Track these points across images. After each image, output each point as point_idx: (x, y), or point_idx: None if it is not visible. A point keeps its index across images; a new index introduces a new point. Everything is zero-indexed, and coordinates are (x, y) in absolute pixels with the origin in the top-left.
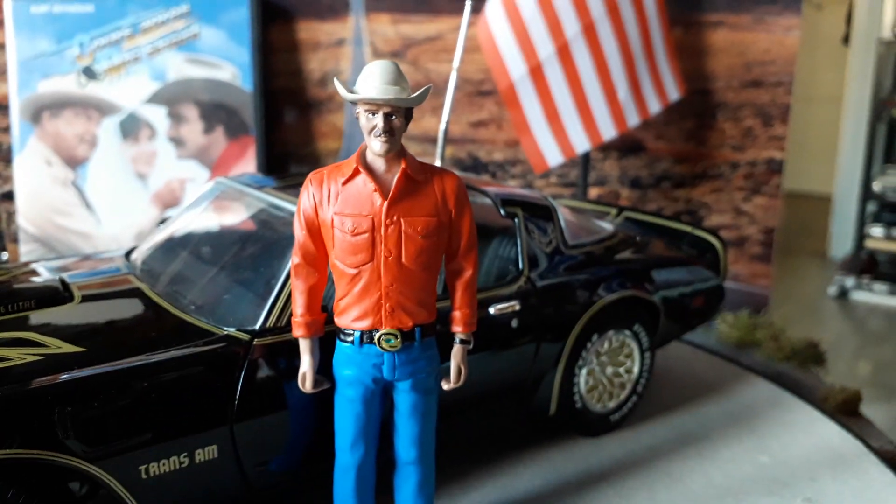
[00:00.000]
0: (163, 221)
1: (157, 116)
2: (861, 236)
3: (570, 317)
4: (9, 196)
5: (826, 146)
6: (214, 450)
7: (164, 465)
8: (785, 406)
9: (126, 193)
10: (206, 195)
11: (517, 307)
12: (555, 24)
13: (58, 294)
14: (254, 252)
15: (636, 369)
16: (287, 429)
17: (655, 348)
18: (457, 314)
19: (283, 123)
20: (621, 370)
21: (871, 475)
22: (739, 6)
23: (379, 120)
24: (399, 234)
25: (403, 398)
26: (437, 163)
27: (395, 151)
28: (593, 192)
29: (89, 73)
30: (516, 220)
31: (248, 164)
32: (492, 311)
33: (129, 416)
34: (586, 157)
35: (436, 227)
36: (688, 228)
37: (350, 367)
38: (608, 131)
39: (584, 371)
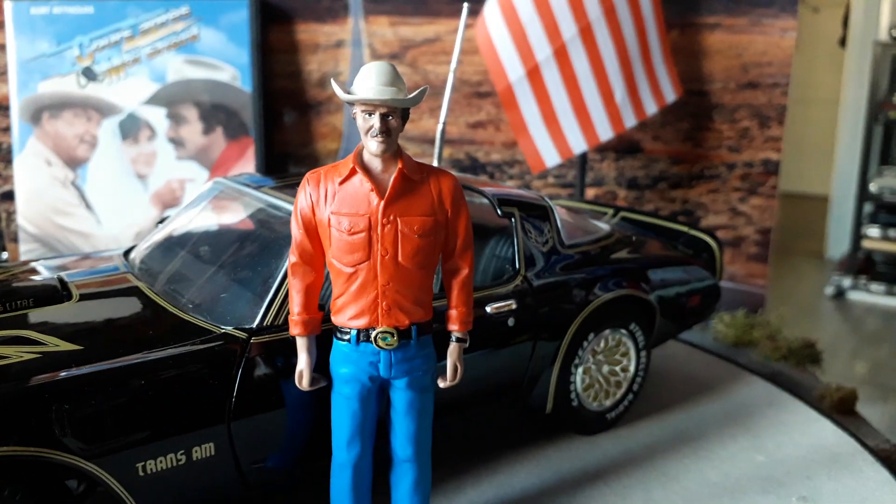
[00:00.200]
0: (161, 221)
1: (157, 117)
2: (858, 237)
3: (566, 316)
4: (9, 196)
5: (823, 147)
6: (211, 447)
7: (161, 462)
8: (781, 405)
9: (126, 194)
10: (205, 195)
11: (514, 306)
12: (552, 26)
13: (56, 293)
14: (251, 251)
15: (632, 368)
16: (284, 427)
17: (652, 347)
18: (453, 313)
19: (282, 124)
20: (617, 369)
21: (866, 474)
22: (736, 8)
23: (375, 120)
24: (395, 234)
25: (400, 396)
26: (435, 163)
27: (392, 151)
28: (590, 193)
29: (89, 73)
30: (513, 219)
31: (248, 164)
32: (488, 309)
33: (127, 413)
34: (583, 158)
35: (432, 227)
36: (684, 228)
37: (347, 365)
38: (605, 132)
39: (580, 370)
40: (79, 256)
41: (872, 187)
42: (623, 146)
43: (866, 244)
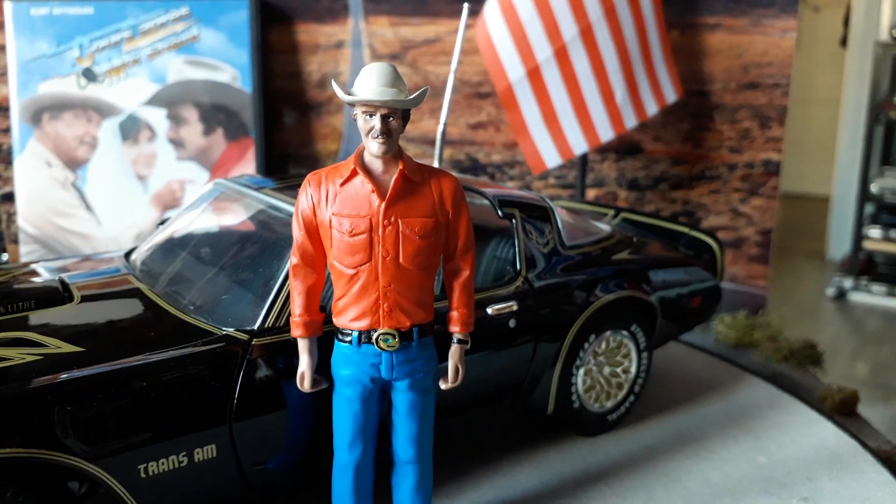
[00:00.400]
0: (162, 222)
1: (157, 118)
2: (859, 237)
3: (567, 317)
4: (9, 197)
5: (824, 148)
6: (213, 449)
7: (162, 464)
8: (782, 407)
9: (126, 195)
10: (206, 196)
11: (515, 307)
12: (552, 26)
13: (57, 294)
14: (253, 253)
15: (633, 369)
16: (286, 428)
17: (653, 349)
18: (454, 314)
19: (282, 125)
20: (619, 370)
21: (867, 475)
22: (736, 8)
23: (376, 121)
24: (396, 235)
25: (401, 398)
26: (436, 164)
27: (393, 153)
28: (591, 194)
29: (89, 74)
30: (513, 220)
31: (248, 165)
32: (489, 311)
33: (129, 415)
34: (584, 159)
35: (433, 228)
36: (685, 229)
37: (348, 366)
38: (606, 133)
39: (581, 371)
40: (79, 258)
41: (873, 188)
42: (624, 147)
43: (867, 245)
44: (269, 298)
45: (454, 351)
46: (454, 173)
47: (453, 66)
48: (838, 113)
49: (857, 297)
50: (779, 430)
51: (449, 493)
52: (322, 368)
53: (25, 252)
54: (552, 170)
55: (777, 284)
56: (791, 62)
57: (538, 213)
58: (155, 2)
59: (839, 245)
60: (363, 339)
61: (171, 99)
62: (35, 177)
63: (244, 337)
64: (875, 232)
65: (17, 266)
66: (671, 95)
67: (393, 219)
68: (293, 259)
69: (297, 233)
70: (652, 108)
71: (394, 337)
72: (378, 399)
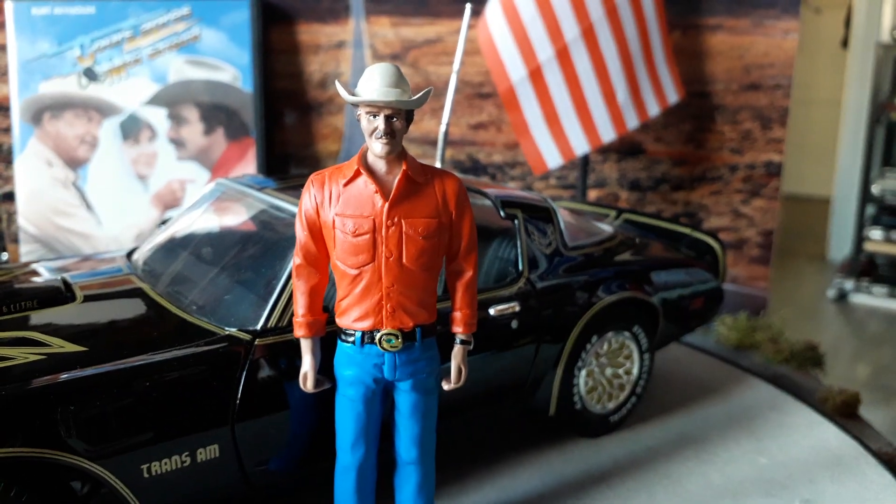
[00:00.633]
0: (164, 222)
1: (158, 118)
2: (860, 239)
3: (569, 318)
4: (9, 196)
5: (825, 149)
6: (216, 449)
7: (165, 464)
8: (784, 408)
9: (126, 194)
10: (207, 196)
11: (517, 308)
12: (554, 26)
13: (60, 294)
14: (255, 253)
15: (635, 370)
16: (288, 429)
17: (655, 350)
18: (457, 315)
19: (283, 125)
20: (620, 371)
21: (869, 477)
22: (738, 9)
23: (380, 122)
24: (400, 235)
25: (404, 398)
26: (438, 165)
27: (396, 153)
28: (592, 194)
29: (90, 74)
30: (516, 221)
31: (249, 165)
32: (492, 312)
33: (131, 415)
34: (585, 160)
35: (436, 229)
36: (686, 230)
37: (351, 367)
38: (607, 133)
39: (583, 372)
40: (81, 258)
41: (874, 189)
42: (625, 148)
43: (868, 246)
44: (272, 299)
45: (457, 351)
46: (456, 174)
47: (455, 66)
48: (839, 114)
49: (858, 299)
50: (780, 432)
51: (451, 493)
52: (325, 369)
53: (26, 251)
54: (553, 170)
55: (778, 286)
56: (793, 63)
57: (540, 214)
58: (156, 1)
59: (840, 246)
60: (366, 340)
61: (171, 99)
62: (36, 176)
63: (247, 337)
64: (876, 233)
65: (19, 266)
66: (673, 96)
67: (396, 219)
68: (296, 259)
69: (301, 233)
70: (654, 109)
71: (397, 337)
72: (381, 399)
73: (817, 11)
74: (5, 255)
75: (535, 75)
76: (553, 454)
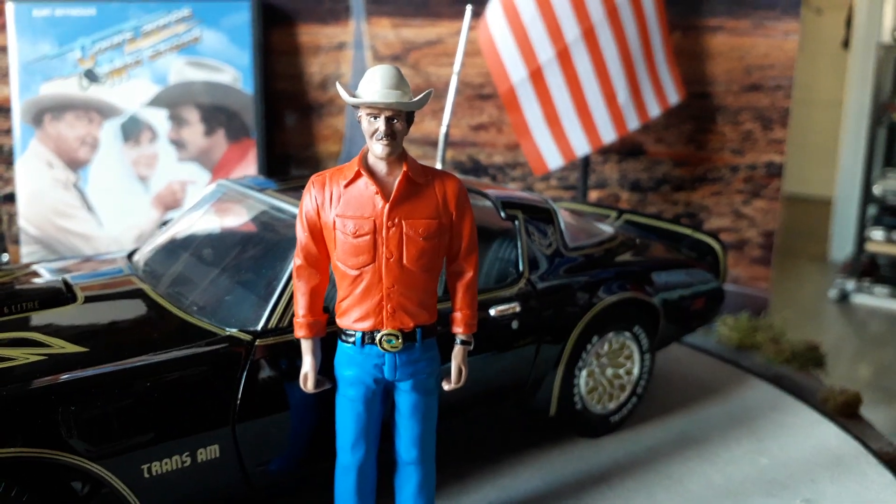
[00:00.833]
0: (165, 223)
1: (159, 119)
2: (862, 239)
3: (570, 318)
4: (10, 198)
5: (827, 150)
6: (216, 449)
7: (166, 464)
8: (784, 408)
9: (127, 196)
10: (208, 197)
11: (517, 309)
12: (555, 27)
13: (61, 295)
14: (255, 253)
15: (636, 371)
16: (288, 429)
17: (656, 350)
18: (457, 315)
19: (283, 126)
20: (621, 371)
21: (869, 477)
22: (739, 10)
23: (381, 124)
24: (400, 236)
25: (404, 399)
26: (438, 166)
27: (397, 154)
28: (593, 195)
29: (91, 75)
30: (516, 222)
31: (249, 166)
32: (492, 312)
33: (132, 415)
34: (586, 160)
35: (437, 230)
36: (687, 231)
37: (351, 367)
38: (608, 134)
39: (584, 372)
40: (82, 259)
41: (876, 190)
42: (626, 148)
43: (870, 247)
44: (273, 299)
45: (457, 352)
46: (457, 175)
47: (456, 68)
48: (841, 115)
49: (860, 300)
50: (781, 432)
51: (451, 493)
52: (325, 369)
53: (26, 253)
54: (554, 171)
55: (779, 286)
56: (793, 64)
57: (541, 215)
58: (157, 3)
59: (842, 247)
60: (366, 340)
61: (172, 100)
62: (36, 177)
63: (247, 338)
64: (878, 234)
65: (20, 267)
66: (673, 97)
67: (397, 220)
68: (297, 260)
69: (301, 234)
70: (654, 110)
71: (397, 338)
72: (381, 400)
73: (818, 12)
74: (6, 257)
75: (536, 76)
76: (554, 454)
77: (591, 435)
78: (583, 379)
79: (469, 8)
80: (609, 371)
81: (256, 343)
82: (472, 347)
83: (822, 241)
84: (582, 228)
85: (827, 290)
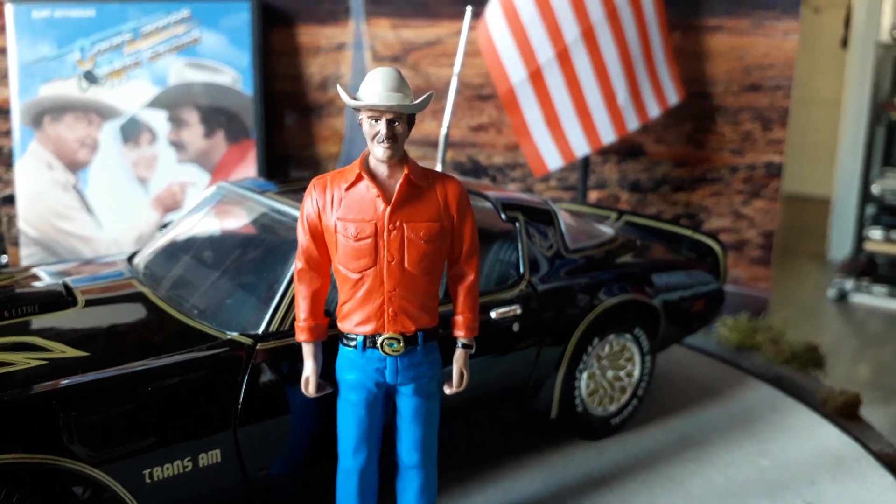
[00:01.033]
0: (165, 226)
1: (158, 120)
2: (860, 239)
3: (571, 321)
4: (9, 200)
5: (825, 149)
6: (218, 454)
7: (167, 469)
8: (785, 410)
9: (127, 197)
10: (208, 199)
11: (518, 311)
12: (554, 28)
13: (61, 298)
14: (256, 256)
15: (637, 373)
16: (290, 433)
17: (656, 352)
18: (459, 318)
19: (283, 127)
20: (622, 374)
21: (870, 478)
22: (738, 10)
23: (382, 126)
24: (402, 240)
25: (406, 402)
26: (439, 167)
27: (398, 157)
28: (593, 196)
29: (90, 77)
30: (517, 224)
31: (249, 167)
32: (493, 315)
33: (133, 420)
34: (586, 161)
35: (438, 233)
36: (687, 232)
37: (353, 371)
38: (608, 135)
39: (584, 375)
40: (82, 262)
41: (875, 189)
42: (625, 149)
43: (869, 246)
44: (274, 303)
45: (459, 356)
46: (457, 177)
47: (456, 69)
48: (839, 114)
49: (859, 299)
50: (781, 434)
51: (452, 497)
52: (326, 373)
53: (26, 255)
54: (554, 172)
55: (778, 286)
56: (793, 64)
57: (541, 217)
58: (156, 4)
59: (840, 246)
60: (368, 344)
61: (172, 101)
62: (36, 179)
63: (248, 341)
64: (876, 233)
65: (20, 270)
66: (673, 97)
67: (398, 223)
68: (298, 263)
69: (303, 237)
70: (654, 111)
71: (398, 341)
72: (383, 404)
73: (817, 11)
74: (5, 258)
75: (536, 77)
76: (555, 457)
77: (591, 437)
78: (584, 381)
79: (469, 9)
80: (610, 373)
81: (258, 347)
82: (473, 351)
83: (821, 241)
84: (582, 230)
85: (825, 290)
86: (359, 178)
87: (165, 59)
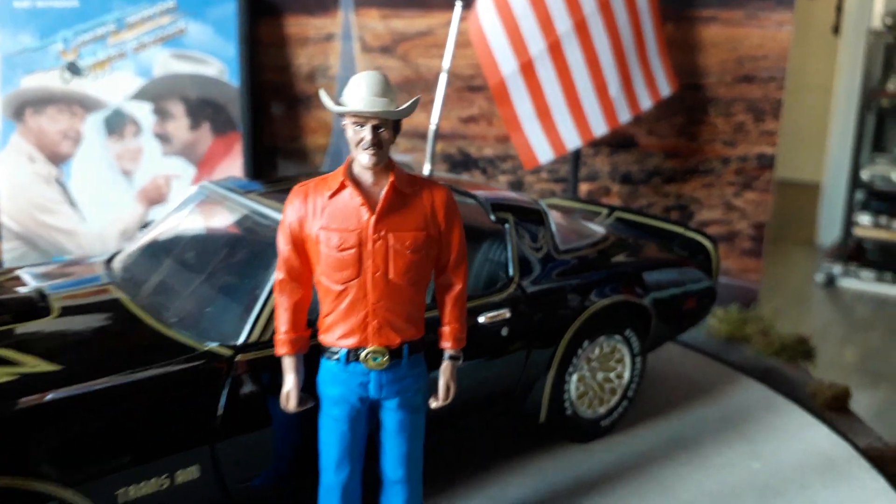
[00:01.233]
0: (146, 225)
1: (143, 112)
2: (849, 224)
3: (561, 323)
4: None
5: (816, 135)
6: (196, 469)
7: (143, 487)
8: (776, 408)
9: (111, 190)
10: (190, 200)
11: (507, 315)
12: (546, 20)
13: (35, 307)
14: (236, 262)
15: (627, 374)
16: (271, 445)
17: (647, 352)
18: (446, 329)
19: (270, 119)
20: (612, 375)
21: (862, 480)
22: (732, 1)
23: (367, 132)
24: (387, 250)
25: (390, 416)
26: (427, 165)
27: (384, 164)
28: (584, 188)
29: (73, 68)
30: (507, 225)
31: (235, 160)
32: (481, 319)
33: (108, 437)
34: (577, 153)
35: (424, 242)
36: (679, 230)
37: (335, 385)
38: (599, 128)
39: (574, 377)
40: (59, 264)
41: (864, 175)
42: (617, 141)
43: (857, 232)
44: (254, 312)
45: (445, 368)
46: (445, 176)
47: (445, 64)
48: (830, 100)
49: (847, 284)
50: (773, 435)
51: (439, 503)
52: (308, 385)
53: (8, 249)
54: (545, 164)
55: (767, 271)
56: (787, 55)
57: (531, 217)
58: None
59: (829, 231)
60: (351, 358)
61: (157, 93)
62: (18, 172)
63: (228, 353)
64: (865, 219)
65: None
66: (665, 89)
67: (383, 233)
68: (279, 274)
69: (283, 247)
70: (646, 103)
71: (383, 355)
72: (366, 418)
73: None
74: None
75: (527, 69)
76: (543, 460)
77: (581, 440)
78: (573, 384)
79: (459, 4)
80: (600, 375)
81: (237, 358)
82: (461, 363)
83: (810, 226)
84: (573, 229)
85: (814, 275)
86: (342, 186)
87: (150, 50)
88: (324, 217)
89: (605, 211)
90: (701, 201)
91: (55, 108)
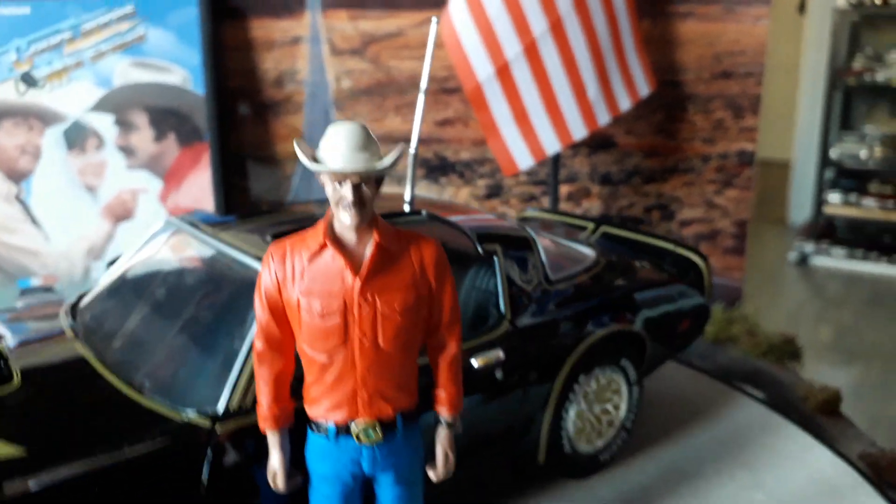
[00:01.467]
0: (112, 263)
1: (104, 124)
2: (819, 202)
3: (556, 358)
4: None
5: (784, 114)
6: None
7: None
8: (774, 430)
9: (74, 207)
10: (154, 238)
11: (501, 356)
12: (521, 22)
13: None
14: (209, 313)
15: (624, 406)
16: None
17: (643, 379)
18: (441, 394)
19: (238, 127)
20: (609, 407)
21: None
22: None
23: (347, 191)
24: (374, 315)
25: (386, 492)
26: (408, 192)
27: (368, 221)
28: (564, 190)
29: (28, 79)
30: (495, 257)
31: (204, 171)
32: (475, 363)
33: None
34: (556, 156)
35: (415, 303)
36: (670, 246)
37: (325, 462)
38: (578, 131)
39: (572, 413)
40: (22, 309)
41: (833, 154)
42: (596, 141)
43: (828, 210)
44: (232, 375)
45: (442, 436)
46: (424, 197)
47: (423, 85)
48: (797, 80)
49: (819, 261)
50: (774, 461)
51: None
52: (296, 455)
53: None
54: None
55: None
56: (764, 50)
57: (520, 246)
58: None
59: (800, 210)
60: (341, 432)
61: (118, 104)
62: None
63: (207, 424)
64: (835, 197)
65: None
66: (644, 89)
67: (370, 297)
68: (257, 344)
69: (261, 314)
70: (625, 103)
71: (375, 429)
72: (360, 495)
73: None
74: None
75: (503, 73)
76: (540, 499)
77: (580, 476)
78: (571, 421)
79: (434, 20)
80: (596, 408)
81: (218, 430)
82: (460, 431)
83: (782, 205)
84: (562, 254)
85: (787, 253)
86: (323, 247)
87: (109, 58)
88: (304, 281)
89: (591, 226)
90: (682, 200)
91: (11, 121)
